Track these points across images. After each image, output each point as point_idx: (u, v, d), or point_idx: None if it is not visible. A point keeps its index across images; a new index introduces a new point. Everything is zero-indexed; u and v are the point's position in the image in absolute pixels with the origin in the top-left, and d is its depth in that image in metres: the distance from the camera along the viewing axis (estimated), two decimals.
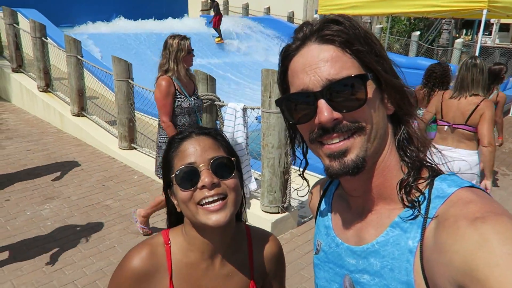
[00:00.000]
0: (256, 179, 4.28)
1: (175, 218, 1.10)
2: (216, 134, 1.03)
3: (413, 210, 0.71)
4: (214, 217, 0.91)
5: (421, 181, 0.73)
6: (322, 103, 0.70)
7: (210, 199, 0.92)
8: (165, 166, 1.01)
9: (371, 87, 0.72)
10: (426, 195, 0.71)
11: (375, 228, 0.76)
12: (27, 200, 4.38)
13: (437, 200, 0.68)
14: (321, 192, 0.96)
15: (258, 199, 4.06)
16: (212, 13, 13.87)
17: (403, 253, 0.70)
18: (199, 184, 0.92)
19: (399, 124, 0.77)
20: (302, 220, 4.15)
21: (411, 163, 0.75)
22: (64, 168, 5.30)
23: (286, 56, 0.77)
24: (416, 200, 0.71)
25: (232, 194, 0.95)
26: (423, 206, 0.70)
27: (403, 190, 0.73)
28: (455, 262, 0.58)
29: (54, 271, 3.23)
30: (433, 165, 0.76)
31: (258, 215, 3.87)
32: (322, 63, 0.70)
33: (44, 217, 4.06)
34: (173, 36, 3.40)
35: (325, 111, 0.70)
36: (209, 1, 13.96)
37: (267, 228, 3.78)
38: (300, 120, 0.76)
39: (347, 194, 0.84)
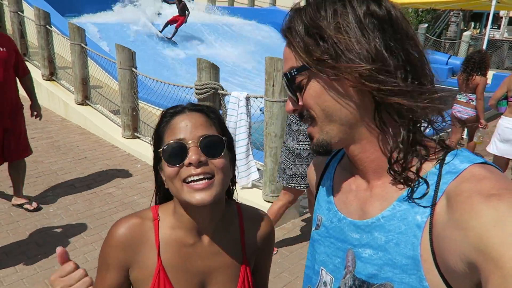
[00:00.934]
0: (258, 169, 4.26)
1: (163, 196, 1.08)
2: (209, 111, 1.00)
3: (412, 188, 0.69)
4: (198, 196, 0.89)
5: (431, 156, 0.71)
6: None
7: (196, 178, 0.90)
8: (155, 140, 0.99)
9: (302, 80, 0.74)
10: (437, 170, 0.68)
11: (380, 202, 0.74)
12: (30, 187, 4.40)
13: (449, 175, 0.66)
14: (323, 166, 0.94)
15: (260, 189, 4.05)
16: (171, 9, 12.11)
17: (411, 228, 0.68)
18: (186, 161, 0.90)
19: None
20: (304, 210, 4.14)
21: (404, 140, 0.71)
22: (67, 156, 5.32)
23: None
24: (413, 180, 0.69)
25: (219, 175, 0.92)
26: (433, 181, 0.68)
27: (396, 171, 0.71)
28: (469, 238, 0.56)
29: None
30: (441, 141, 0.73)
31: (260, 205, 3.86)
32: None
33: (47, 204, 4.08)
34: None
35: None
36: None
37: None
38: None
39: (353, 166, 0.82)
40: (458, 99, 5.26)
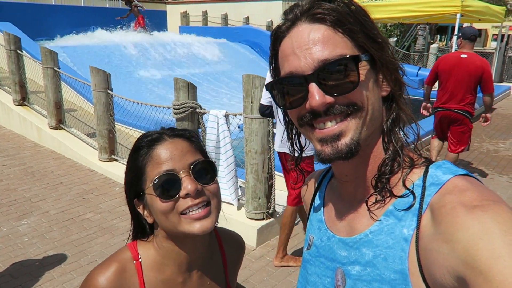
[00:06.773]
0: (240, 186, 4.23)
1: (140, 231, 0.99)
2: (190, 136, 0.94)
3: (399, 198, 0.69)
4: (199, 224, 0.85)
5: (415, 168, 0.71)
6: (313, 86, 0.67)
7: (195, 208, 0.85)
8: (133, 174, 0.91)
9: (364, 67, 0.68)
10: (421, 182, 0.68)
11: (367, 217, 0.73)
12: (3, 216, 4.22)
13: (432, 187, 0.66)
14: (315, 186, 0.93)
15: (243, 206, 4.01)
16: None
17: (398, 242, 0.67)
18: (182, 193, 0.84)
19: (391, 107, 0.74)
20: None
21: (393, 150, 0.72)
22: (42, 182, 5.15)
23: (276, 38, 0.74)
24: (400, 191, 0.69)
25: (214, 200, 0.89)
26: (418, 193, 0.67)
27: (383, 183, 0.71)
28: (456, 251, 0.56)
29: None
30: (420, 153, 0.74)
31: (243, 222, 3.81)
32: (312, 44, 0.67)
33: (21, 233, 3.91)
34: None
35: (316, 95, 0.66)
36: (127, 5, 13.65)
37: (253, 234, 3.74)
38: (291, 104, 0.72)
39: (338, 180, 0.81)
40: None
